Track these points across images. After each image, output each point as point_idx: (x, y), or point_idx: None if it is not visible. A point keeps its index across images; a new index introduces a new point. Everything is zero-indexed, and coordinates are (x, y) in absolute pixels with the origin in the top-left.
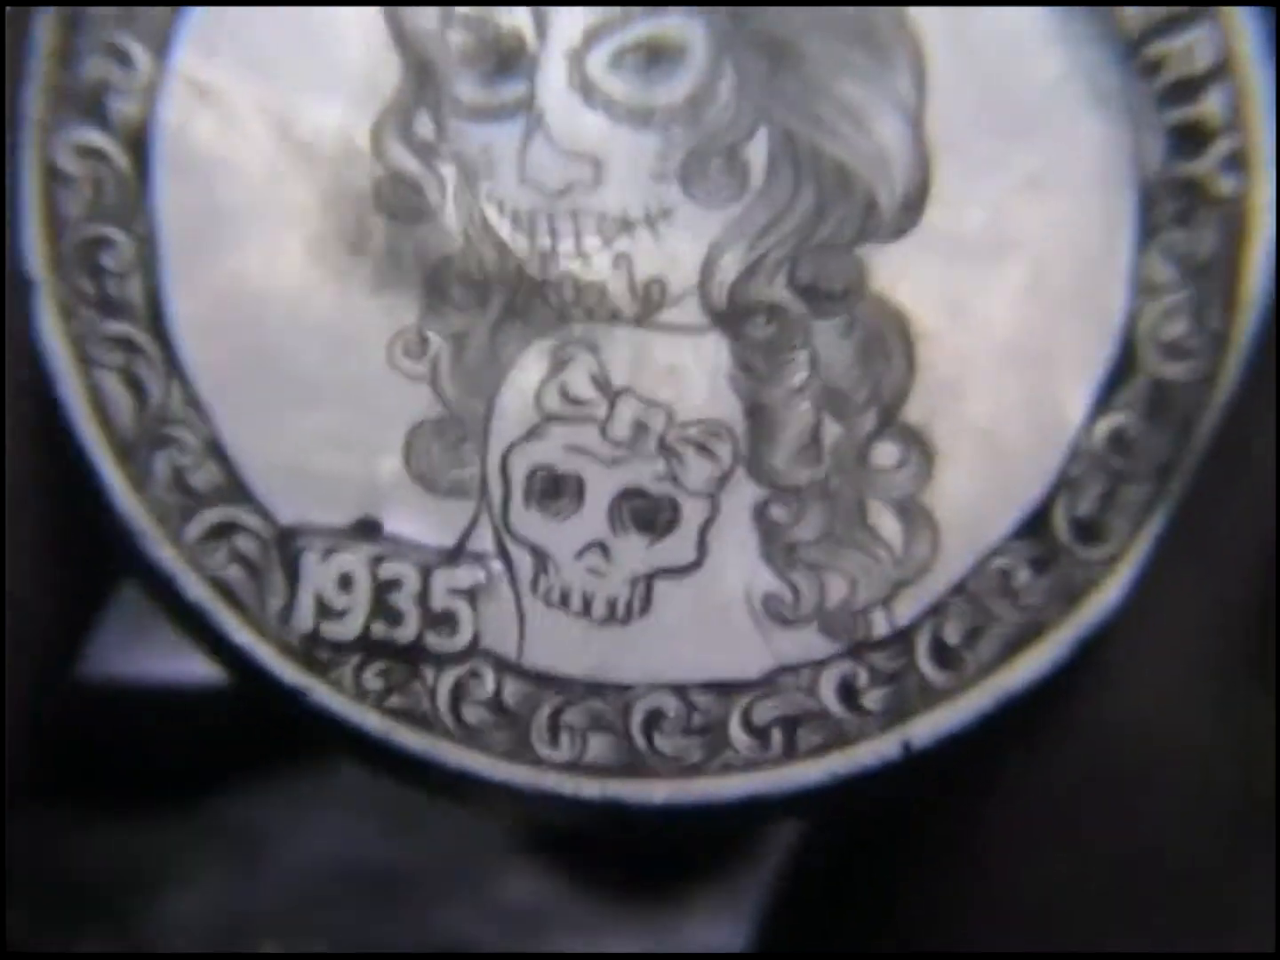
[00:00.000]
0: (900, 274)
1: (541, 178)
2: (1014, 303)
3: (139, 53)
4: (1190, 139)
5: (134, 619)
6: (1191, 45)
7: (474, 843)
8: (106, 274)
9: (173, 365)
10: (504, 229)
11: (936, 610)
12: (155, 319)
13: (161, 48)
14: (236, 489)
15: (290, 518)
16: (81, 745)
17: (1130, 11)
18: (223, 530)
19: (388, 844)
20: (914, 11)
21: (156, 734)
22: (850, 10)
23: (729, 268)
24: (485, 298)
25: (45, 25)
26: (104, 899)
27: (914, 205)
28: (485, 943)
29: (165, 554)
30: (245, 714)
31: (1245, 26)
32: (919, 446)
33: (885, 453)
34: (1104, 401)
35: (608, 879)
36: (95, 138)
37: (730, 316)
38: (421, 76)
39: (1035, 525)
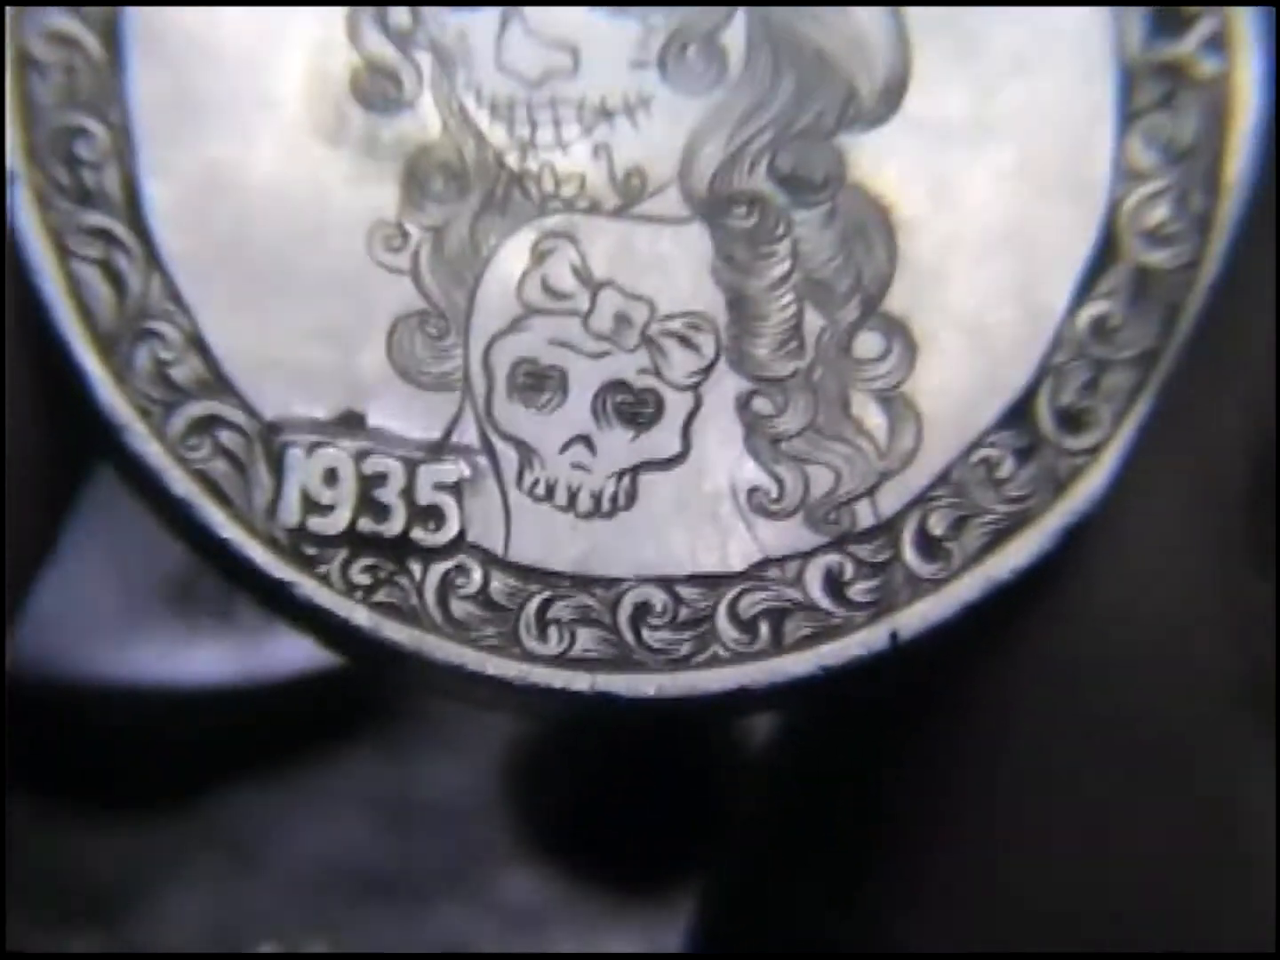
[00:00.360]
0: (881, 162)
1: (519, 66)
2: (996, 189)
3: None
4: (1171, 20)
5: (132, 619)
6: None
7: (474, 843)
8: (82, 164)
9: (152, 257)
10: (482, 118)
11: (921, 501)
12: (133, 210)
13: None
14: (219, 383)
15: (274, 412)
16: (80, 745)
17: None
18: (206, 424)
19: (387, 844)
20: None
21: (155, 734)
22: None
23: (710, 157)
24: (464, 189)
25: None
26: (103, 899)
27: (894, 92)
28: (485, 943)
29: (149, 448)
30: (245, 714)
31: None
32: (901, 337)
33: (868, 343)
34: (1087, 289)
35: (608, 879)
36: (67, 23)
37: (712, 207)
38: None
39: (1019, 415)
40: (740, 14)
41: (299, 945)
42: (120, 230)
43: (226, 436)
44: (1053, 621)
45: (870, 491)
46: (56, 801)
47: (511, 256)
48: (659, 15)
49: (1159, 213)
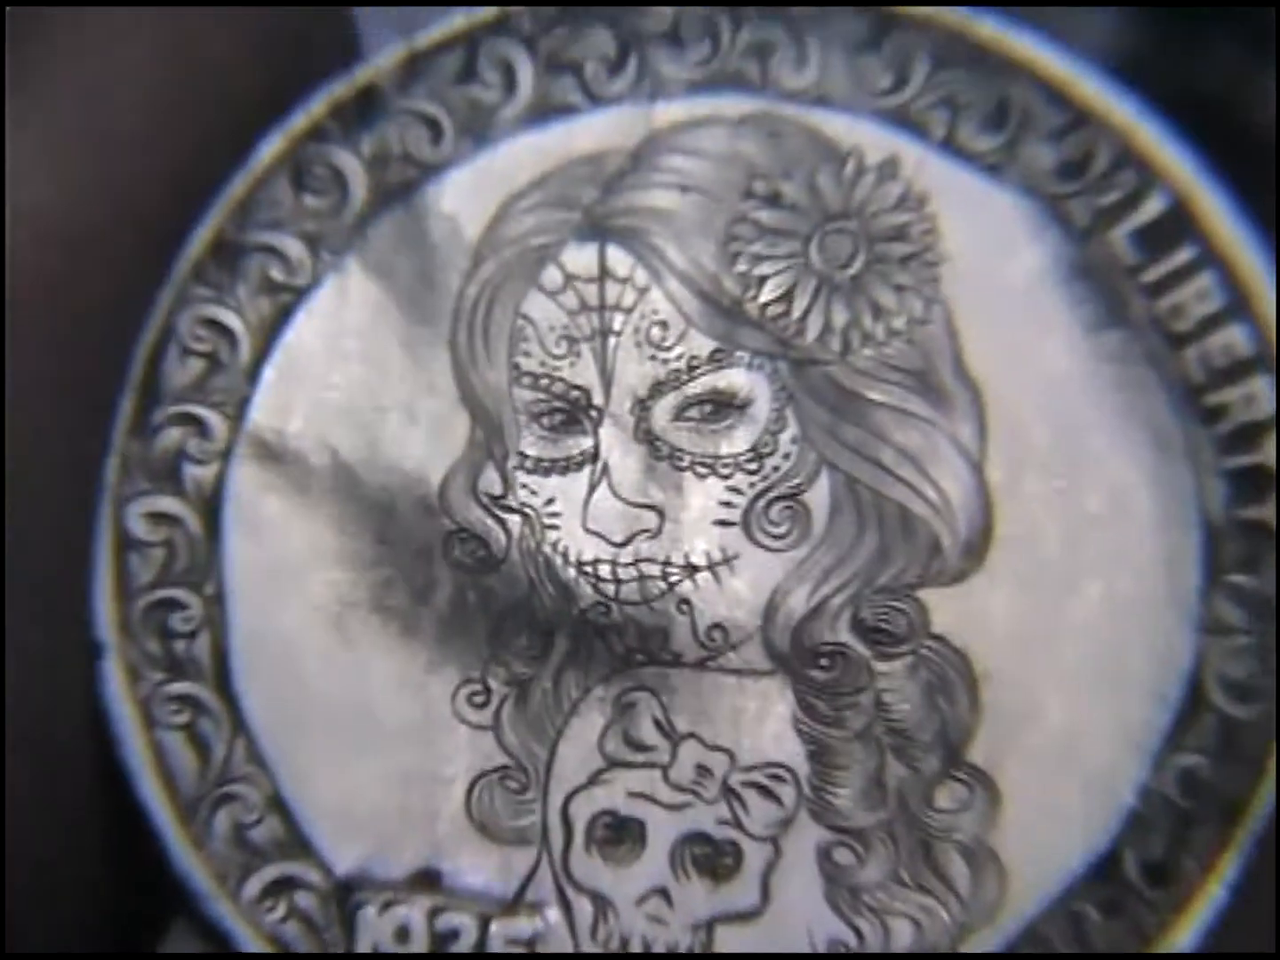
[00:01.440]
0: (964, 615)
1: (605, 527)
2: (1078, 641)
3: (215, 421)
4: (1253, 484)
5: None
6: (1252, 394)
7: None
8: (175, 635)
9: (238, 722)
10: (568, 576)
11: (1005, 955)
12: (221, 676)
13: (237, 413)
14: (296, 842)
15: (349, 867)
16: None
17: (1190, 360)
18: (282, 886)
19: None
20: (975, 361)
21: None
22: (913, 359)
23: (792, 611)
24: (549, 644)
25: (127, 398)
26: None
27: (977, 548)
28: None
29: (223, 910)
30: None
31: None
32: (984, 787)
33: (950, 793)
34: (1172, 741)
35: None
36: (169, 504)
37: (793, 659)
38: (489, 432)
39: (1106, 867)
40: (824, 475)
41: None
42: (207, 696)
43: (301, 898)
44: None
45: (952, 943)
46: None
47: (594, 710)
48: (743, 476)
49: (1244, 667)
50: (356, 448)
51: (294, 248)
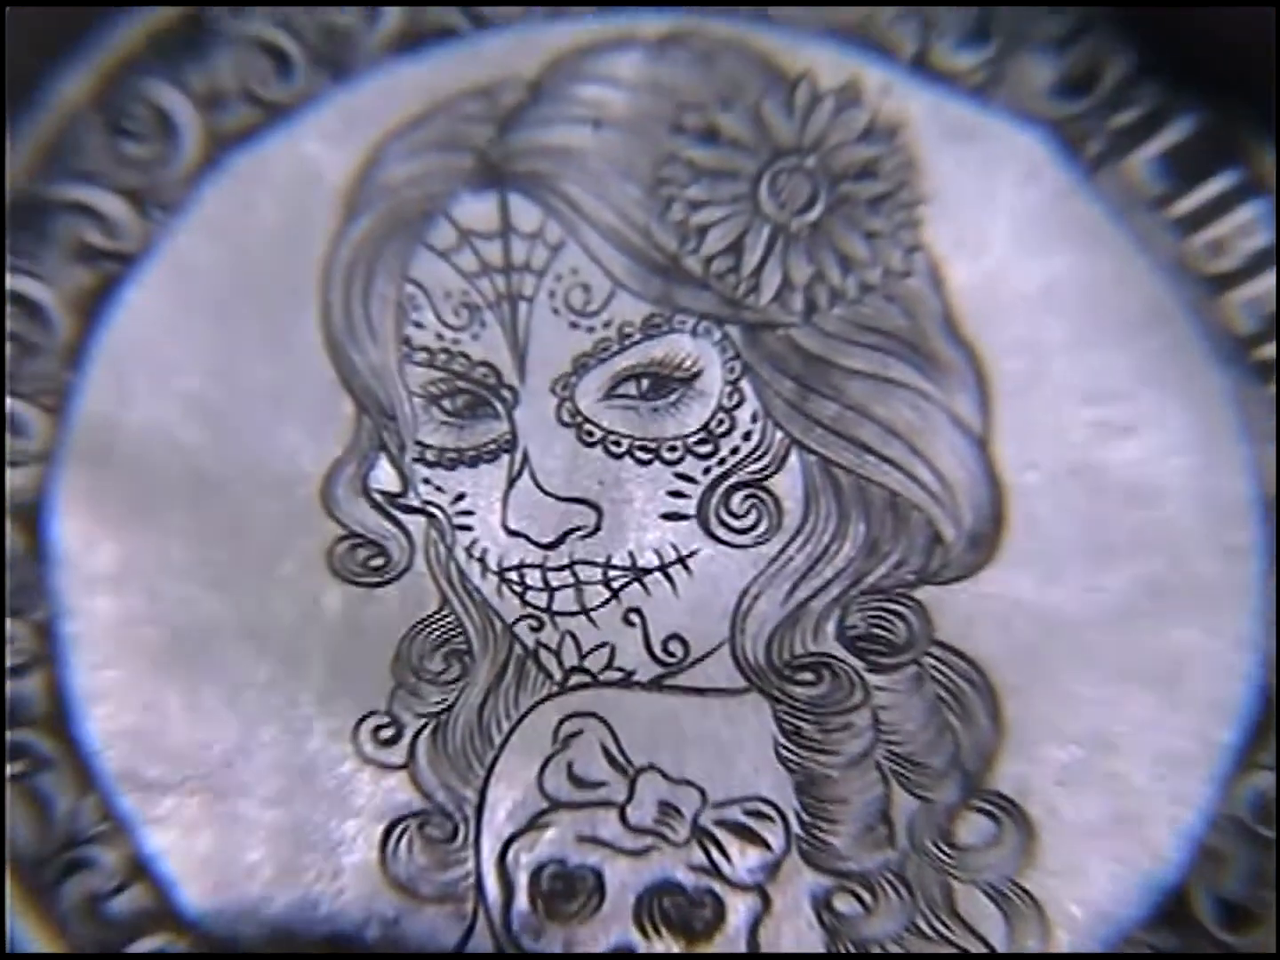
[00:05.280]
0: (974, 616)
1: (530, 527)
2: (1114, 637)
3: (30, 415)
4: None
5: None
6: None
7: None
8: None
9: (84, 772)
10: (488, 587)
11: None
12: (59, 719)
13: (58, 404)
14: (166, 911)
15: (234, 934)
16: None
17: (1236, 306)
18: None
19: None
20: (968, 319)
21: None
22: (893, 318)
23: (765, 618)
24: (468, 668)
25: None
26: None
27: (985, 538)
28: None
29: None
30: None
31: None
32: (1013, 818)
33: (973, 828)
34: (1243, 757)
35: None
36: None
37: (769, 674)
38: (378, 420)
39: (1170, 909)
40: (794, 457)
41: None
42: (43, 743)
43: None
44: None
45: None
46: None
47: (529, 743)
48: (694, 461)
49: None
50: (211, 442)
51: (113, 205)
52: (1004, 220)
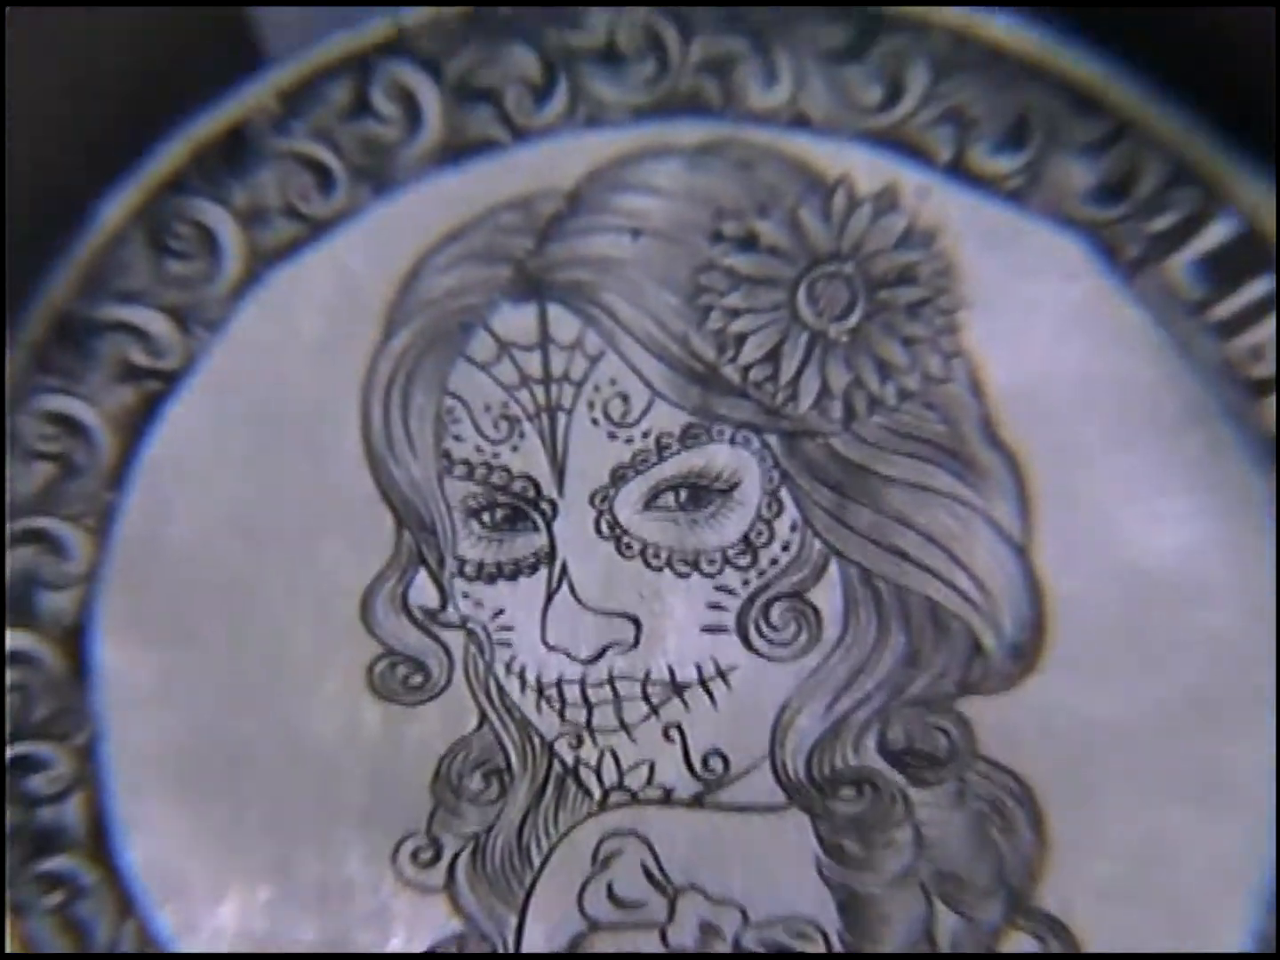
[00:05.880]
0: (1017, 728)
1: (569, 642)
2: (1156, 744)
3: (73, 536)
4: None
5: None
6: None
7: None
8: (38, 800)
9: (124, 899)
10: (527, 704)
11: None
12: (99, 845)
13: (100, 525)
14: None
15: None
16: None
17: (1277, 410)
18: None
19: None
20: (1008, 424)
21: None
22: (932, 425)
23: (805, 732)
24: (508, 788)
25: None
26: None
27: (1027, 647)
28: None
29: None
30: None
31: None
32: (1059, 937)
33: (1017, 945)
34: None
35: None
36: (21, 639)
37: (810, 790)
38: (418, 535)
39: None
40: (834, 567)
41: None
42: (83, 870)
43: None
44: None
45: None
46: None
47: (569, 862)
48: (734, 573)
49: None
50: (251, 558)
51: (157, 323)
52: (1043, 324)
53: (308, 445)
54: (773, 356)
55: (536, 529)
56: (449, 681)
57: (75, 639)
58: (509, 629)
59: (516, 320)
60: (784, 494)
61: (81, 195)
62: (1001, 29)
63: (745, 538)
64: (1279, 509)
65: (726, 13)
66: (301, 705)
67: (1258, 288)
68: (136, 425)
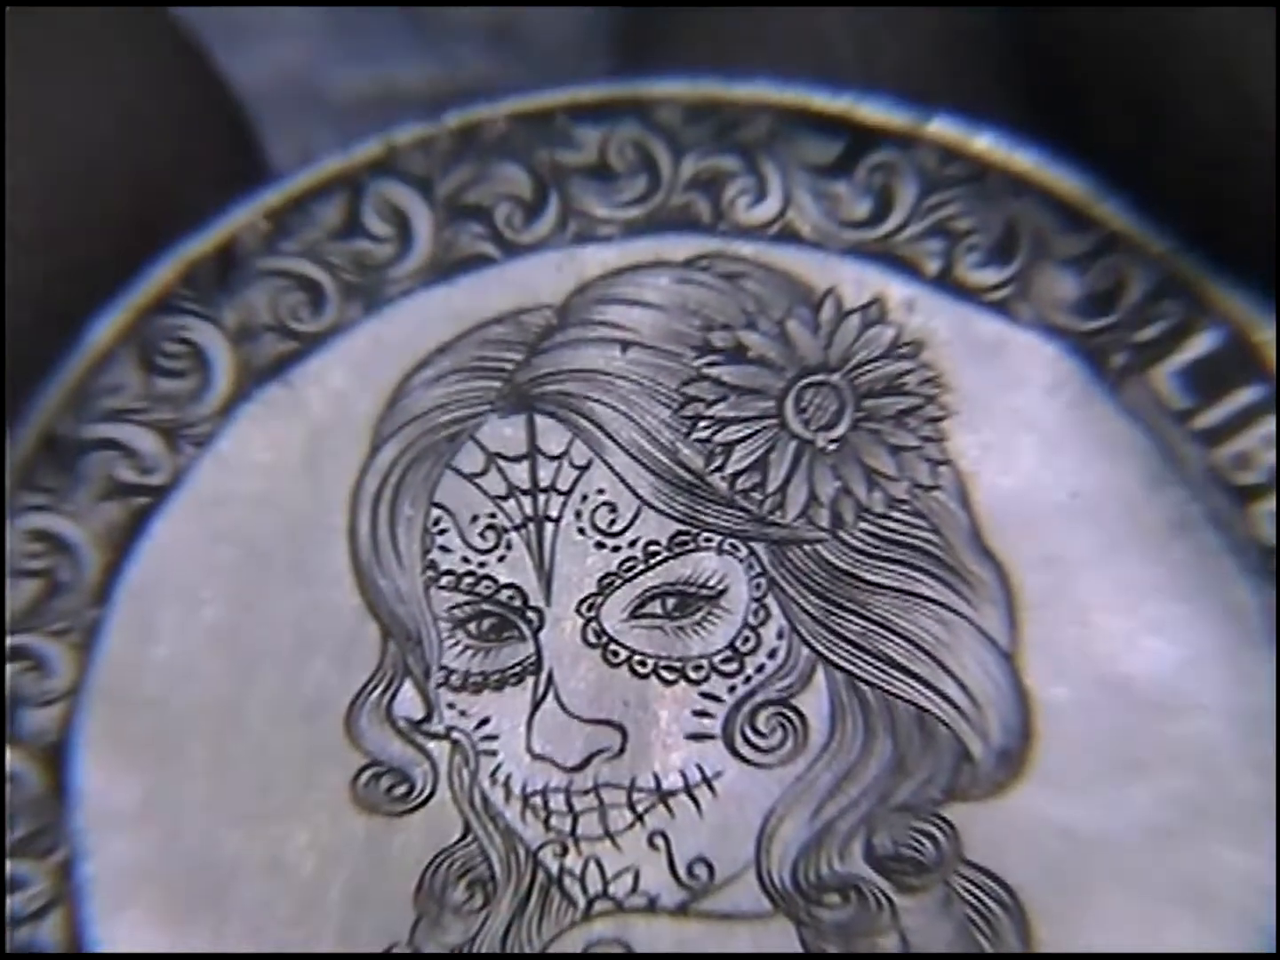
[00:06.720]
0: (1004, 835)
1: (555, 751)
2: (1145, 854)
3: (56, 652)
4: None
5: None
6: None
7: None
8: (17, 920)
9: None
10: (512, 812)
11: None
12: None
13: (85, 641)
14: None
15: None
16: None
17: (1263, 518)
18: None
19: None
20: (996, 532)
21: None
22: (920, 533)
23: (790, 840)
24: (492, 897)
25: None
26: None
27: (1014, 754)
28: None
29: None
30: None
31: None
32: None
33: None
34: None
35: None
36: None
37: (796, 898)
38: (404, 646)
39: None
40: (820, 675)
41: None
42: None
43: None
44: None
45: None
46: None
47: None
48: (720, 680)
49: None
50: (236, 675)
51: (145, 441)
52: (1030, 433)
53: (294, 562)
54: (760, 465)
55: (523, 638)
56: (433, 792)
57: (56, 757)
58: (494, 738)
59: (504, 431)
60: (770, 601)
61: (73, 316)
62: (986, 144)
63: (732, 645)
64: None
65: (717, 130)
66: (284, 823)
67: (1244, 396)
68: (122, 543)
